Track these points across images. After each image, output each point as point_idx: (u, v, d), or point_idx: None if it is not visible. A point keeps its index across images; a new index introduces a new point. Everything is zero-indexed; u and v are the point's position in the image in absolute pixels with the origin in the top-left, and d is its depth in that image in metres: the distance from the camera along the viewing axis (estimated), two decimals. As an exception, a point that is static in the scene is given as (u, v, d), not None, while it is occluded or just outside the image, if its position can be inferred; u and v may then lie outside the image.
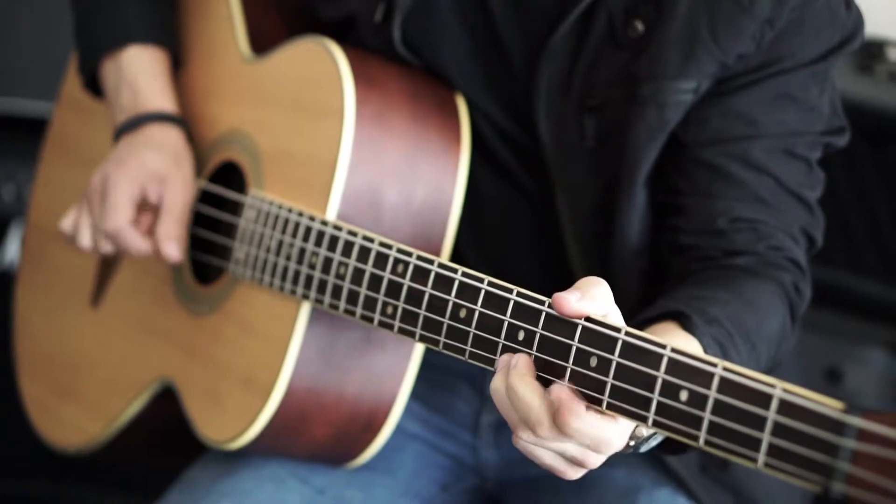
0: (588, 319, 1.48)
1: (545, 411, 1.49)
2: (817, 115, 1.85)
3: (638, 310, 1.72)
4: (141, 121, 2.06)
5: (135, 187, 2.00)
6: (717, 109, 1.83)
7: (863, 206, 2.76)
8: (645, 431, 1.57)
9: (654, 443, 1.59)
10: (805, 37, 1.82)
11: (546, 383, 1.51)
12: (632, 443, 1.57)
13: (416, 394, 2.06)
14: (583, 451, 1.50)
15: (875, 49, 2.88)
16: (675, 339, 1.57)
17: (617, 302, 1.54)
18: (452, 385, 2.10)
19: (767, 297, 1.80)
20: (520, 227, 1.99)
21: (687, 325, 1.63)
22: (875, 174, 2.73)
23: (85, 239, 2.05)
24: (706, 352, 1.60)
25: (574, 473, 1.55)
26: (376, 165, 1.87)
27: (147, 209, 2.03)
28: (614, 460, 1.97)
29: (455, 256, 1.95)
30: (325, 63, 1.90)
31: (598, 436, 1.47)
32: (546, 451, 1.53)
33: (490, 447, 2.08)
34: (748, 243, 1.83)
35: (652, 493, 1.99)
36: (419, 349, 1.91)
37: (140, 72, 2.08)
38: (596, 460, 1.53)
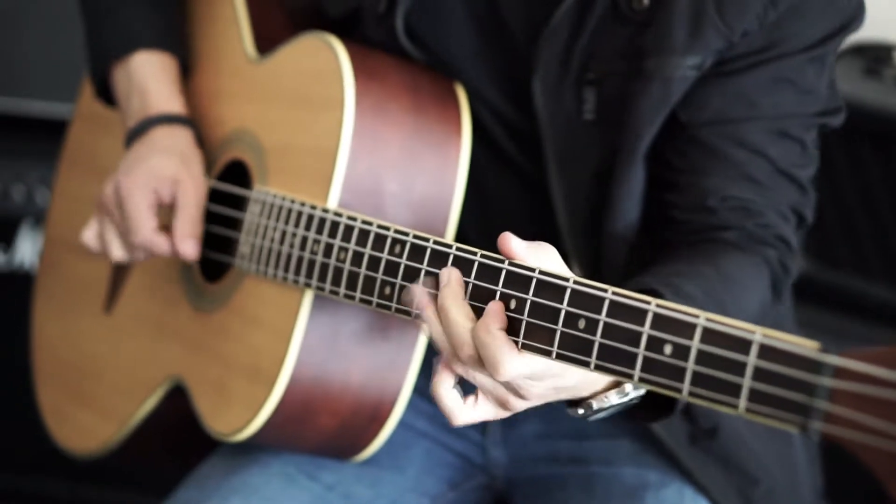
0: (576, 281, 1.51)
1: (469, 332, 1.54)
2: (814, 98, 1.88)
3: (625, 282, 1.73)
4: (149, 124, 2.08)
5: (149, 193, 2.02)
6: (718, 90, 1.85)
7: (869, 209, 2.76)
8: (614, 399, 1.62)
9: (612, 412, 1.62)
10: (806, 21, 1.84)
11: (530, 349, 1.54)
12: (595, 405, 1.62)
13: (425, 392, 2.07)
14: (495, 385, 1.57)
15: (883, 53, 2.88)
16: None
17: (606, 275, 1.55)
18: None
19: (748, 272, 1.82)
20: (519, 214, 2.00)
21: None
22: (881, 178, 2.73)
23: (117, 252, 2.07)
24: None
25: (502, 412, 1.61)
26: (377, 155, 1.89)
27: (164, 209, 2.05)
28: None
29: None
30: (326, 57, 1.93)
31: (493, 356, 1.52)
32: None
33: (498, 446, 2.09)
34: (737, 220, 1.85)
35: (659, 491, 2.00)
36: (423, 339, 1.93)
37: (149, 77, 2.11)
38: (515, 403, 1.58)
